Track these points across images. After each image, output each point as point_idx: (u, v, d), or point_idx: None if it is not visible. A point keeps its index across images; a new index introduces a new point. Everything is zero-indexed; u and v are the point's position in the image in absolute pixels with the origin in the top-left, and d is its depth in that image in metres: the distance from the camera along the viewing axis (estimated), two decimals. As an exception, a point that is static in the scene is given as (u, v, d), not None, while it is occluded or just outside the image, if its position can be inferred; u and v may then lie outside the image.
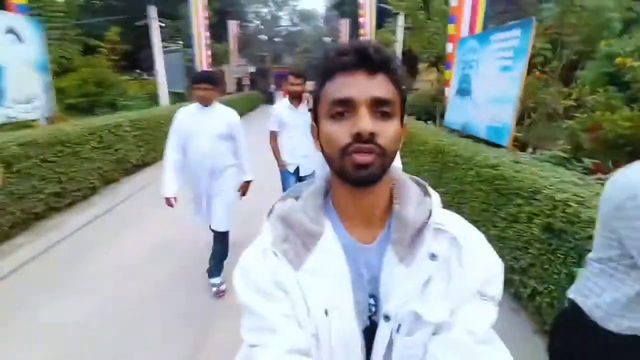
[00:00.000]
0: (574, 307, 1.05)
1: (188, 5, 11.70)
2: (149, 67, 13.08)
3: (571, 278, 1.90)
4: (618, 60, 3.42)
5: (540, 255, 2.24)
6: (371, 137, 0.49)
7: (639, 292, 0.91)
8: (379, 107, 0.50)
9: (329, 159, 0.55)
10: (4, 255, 3.26)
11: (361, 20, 12.23)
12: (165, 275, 2.93)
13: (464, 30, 4.84)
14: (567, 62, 4.21)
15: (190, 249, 3.27)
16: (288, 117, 2.94)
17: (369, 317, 0.55)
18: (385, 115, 0.51)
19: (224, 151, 2.55)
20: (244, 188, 2.78)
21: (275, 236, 0.56)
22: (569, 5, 3.84)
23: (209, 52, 12.32)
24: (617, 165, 3.38)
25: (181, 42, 12.39)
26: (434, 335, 0.53)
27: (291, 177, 3.09)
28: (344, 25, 16.90)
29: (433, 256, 0.54)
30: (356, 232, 0.57)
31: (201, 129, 2.45)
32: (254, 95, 20.02)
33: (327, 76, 0.53)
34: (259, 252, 0.56)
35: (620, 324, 0.95)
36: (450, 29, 4.98)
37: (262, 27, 39.70)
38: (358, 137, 0.49)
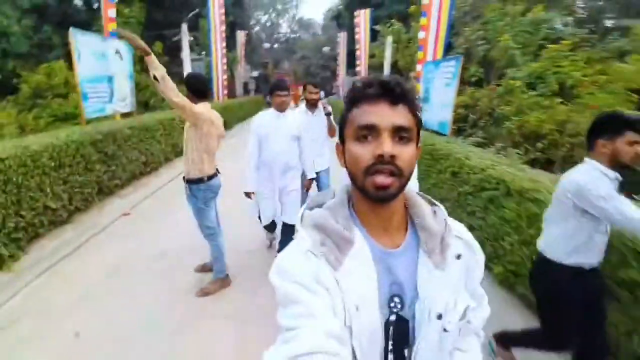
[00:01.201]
0: (541, 256, 1.72)
1: (207, 20, 13.63)
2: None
3: (461, 196, 3.80)
4: (509, 82, 5.36)
5: (448, 188, 4.16)
6: (391, 159, 0.57)
7: (586, 237, 1.56)
8: (399, 133, 0.59)
9: (352, 176, 0.63)
10: (125, 197, 5.12)
11: (357, 36, 14.23)
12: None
13: (429, 56, 6.80)
14: (495, 82, 6.18)
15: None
16: (307, 122, 3.19)
17: (396, 313, 0.63)
18: (404, 140, 0.60)
19: (294, 151, 2.83)
20: (308, 185, 3.17)
21: (314, 241, 0.62)
22: (491, 44, 5.74)
23: (224, 60, 14.21)
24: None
25: (203, 52, 14.24)
26: (472, 312, 0.68)
27: None
28: (342, 37, 18.90)
29: (459, 256, 0.66)
30: (378, 238, 0.65)
31: (279, 132, 2.72)
32: (259, 99, 21.92)
33: (353, 103, 0.63)
34: (299, 254, 0.62)
35: (573, 259, 1.59)
36: (419, 54, 6.93)
37: (263, 34, 41.66)
38: (380, 159, 0.57)
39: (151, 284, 2.93)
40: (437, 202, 0.71)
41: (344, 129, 0.65)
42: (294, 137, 2.81)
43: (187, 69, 11.69)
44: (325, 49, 29.16)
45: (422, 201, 0.70)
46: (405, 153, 0.59)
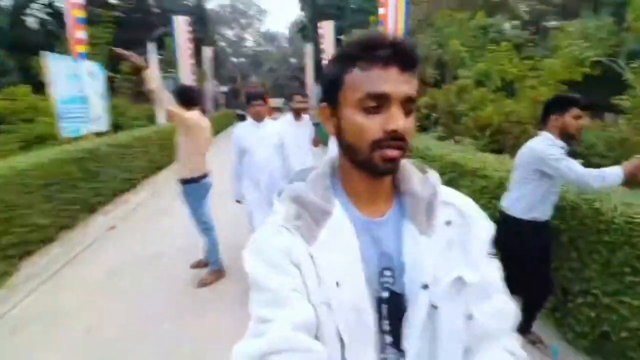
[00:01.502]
0: (504, 214, 2.07)
1: (172, 39, 13.78)
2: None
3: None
4: (461, 81, 6.02)
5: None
6: (403, 135, 0.53)
7: (542, 196, 1.93)
8: (407, 104, 0.54)
9: (353, 149, 0.57)
10: (108, 213, 5.22)
11: (322, 47, 14.82)
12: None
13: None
14: (450, 83, 6.86)
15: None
16: (291, 131, 3.13)
17: (387, 288, 0.58)
18: (409, 112, 0.55)
19: (278, 158, 2.83)
20: None
21: (288, 214, 0.59)
22: (444, 49, 6.40)
23: (193, 77, 14.35)
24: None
25: (172, 70, 14.32)
26: (475, 302, 0.59)
27: None
28: (308, 49, 19.52)
29: (448, 223, 0.60)
30: (365, 209, 0.61)
31: (260, 142, 2.75)
32: (230, 113, 22.06)
33: (355, 63, 0.54)
34: (272, 229, 0.58)
35: (531, 214, 1.97)
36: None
37: (229, 49, 41.86)
38: (392, 134, 0.52)
39: (145, 288, 3.08)
40: (429, 169, 0.67)
41: (338, 92, 0.57)
42: (276, 145, 2.81)
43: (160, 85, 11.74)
44: (292, 60, 29.77)
45: (412, 167, 0.66)
46: (411, 125, 0.55)
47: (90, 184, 4.96)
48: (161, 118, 12.08)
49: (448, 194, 0.64)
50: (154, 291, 3.02)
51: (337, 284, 0.55)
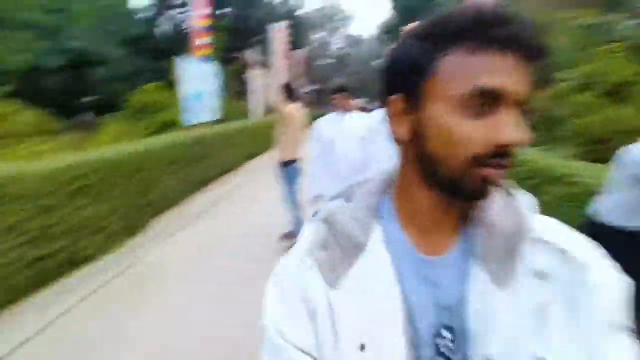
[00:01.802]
0: (590, 220, 1.93)
1: (270, 42, 15.22)
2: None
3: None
4: (563, 84, 5.53)
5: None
6: (513, 150, 0.38)
7: (637, 203, 1.76)
8: (521, 108, 0.38)
9: (438, 161, 0.40)
10: (213, 190, 6.23)
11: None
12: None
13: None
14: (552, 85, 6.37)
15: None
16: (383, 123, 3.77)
17: (444, 355, 0.42)
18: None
19: (362, 153, 2.65)
20: None
21: (314, 241, 0.47)
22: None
23: (287, 77, 15.64)
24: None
25: (269, 71, 15.88)
26: None
27: None
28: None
29: (541, 275, 0.40)
30: (421, 241, 0.45)
31: (342, 134, 2.66)
32: (317, 112, 23.50)
33: (456, 44, 0.38)
34: (294, 260, 0.48)
35: (622, 222, 1.81)
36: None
37: (317, 51, 43.78)
38: (504, 149, 0.37)
39: (232, 257, 3.61)
40: (516, 191, 0.47)
41: (421, 82, 0.40)
42: (359, 138, 2.62)
43: (255, 87, 13.18)
44: (376, 62, 29.89)
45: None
46: None
47: (201, 165, 6.01)
48: (253, 113, 13.55)
49: (547, 228, 0.44)
50: (238, 260, 3.52)
51: (362, 346, 0.42)
